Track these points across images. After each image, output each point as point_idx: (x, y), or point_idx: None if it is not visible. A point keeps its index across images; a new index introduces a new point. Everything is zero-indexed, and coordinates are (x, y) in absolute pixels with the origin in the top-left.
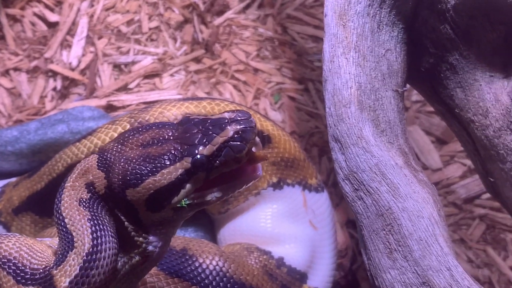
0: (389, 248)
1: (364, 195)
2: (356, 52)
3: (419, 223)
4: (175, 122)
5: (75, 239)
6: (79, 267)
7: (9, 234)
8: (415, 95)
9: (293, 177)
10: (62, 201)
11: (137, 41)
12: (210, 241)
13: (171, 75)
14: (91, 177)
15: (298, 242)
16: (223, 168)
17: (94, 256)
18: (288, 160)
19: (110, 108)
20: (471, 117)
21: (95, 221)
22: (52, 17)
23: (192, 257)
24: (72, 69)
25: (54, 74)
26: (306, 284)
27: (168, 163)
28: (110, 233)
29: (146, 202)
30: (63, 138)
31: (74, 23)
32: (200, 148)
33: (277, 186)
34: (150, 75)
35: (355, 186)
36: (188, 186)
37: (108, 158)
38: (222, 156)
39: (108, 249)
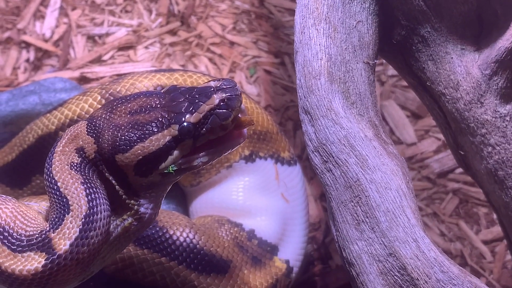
0: (356, 220)
1: (333, 167)
2: (327, 23)
3: (387, 195)
4: (161, 91)
5: (70, 202)
6: (78, 229)
7: (5, 198)
8: (391, 70)
9: (266, 150)
10: (53, 165)
11: (112, 13)
12: (182, 213)
13: (146, 47)
14: (81, 142)
15: (269, 214)
16: (209, 135)
17: (91, 218)
18: (260, 133)
19: (83, 80)
20: (442, 90)
21: (88, 184)
22: None
23: (163, 228)
24: (46, 41)
25: (27, 45)
26: (276, 256)
27: (156, 130)
28: (103, 195)
29: (135, 167)
30: (34, 109)
31: None
32: (187, 116)
33: (249, 159)
34: (124, 47)
35: (324, 158)
36: (175, 152)
37: (98, 125)
38: (208, 123)
39: (103, 210)
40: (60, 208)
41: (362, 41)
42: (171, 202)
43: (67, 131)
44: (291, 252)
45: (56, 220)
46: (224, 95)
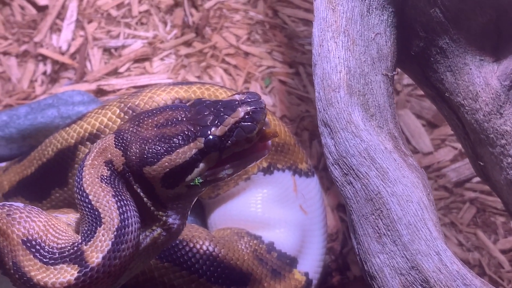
0: (378, 233)
1: (354, 180)
2: (346, 36)
3: (408, 208)
4: (187, 104)
5: (102, 215)
6: (111, 242)
7: (38, 210)
8: (406, 79)
9: (283, 162)
10: (84, 179)
11: (127, 25)
12: (200, 225)
13: (161, 59)
14: (109, 155)
15: (288, 226)
16: (235, 148)
17: (123, 231)
18: (278, 144)
19: (100, 92)
20: (461, 101)
21: (119, 197)
22: (41, 1)
23: (183, 241)
24: (62, 53)
25: (44, 58)
26: (296, 269)
27: (182, 143)
28: (133, 207)
29: (162, 179)
30: (53, 122)
31: (64, 7)
32: (213, 129)
33: (267, 171)
34: (140, 59)
35: (345, 171)
36: (201, 165)
37: (125, 138)
38: (233, 136)
39: (134, 223)
40: (92, 220)
41: (381, 53)
42: (190, 214)
43: (95, 144)
44: (310, 264)
45: (88, 232)
46: (249, 108)
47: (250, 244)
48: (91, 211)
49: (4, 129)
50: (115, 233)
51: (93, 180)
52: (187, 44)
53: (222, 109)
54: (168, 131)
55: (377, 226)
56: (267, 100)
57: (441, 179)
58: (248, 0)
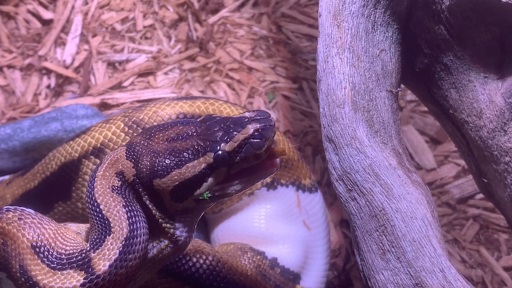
0: (382, 249)
1: (358, 196)
2: (350, 53)
3: (413, 224)
4: (198, 120)
5: (112, 224)
6: (118, 251)
7: (49, 219)
8: (410, 95)
9: (287, 177)
10: (95, 189)
11: (132, 39)
12: (203, 240)
13: (165, 73)
14: (120, 167)
15: (291, 242)
16: (243, 164)
17: (131, 241)
18: (282, 160)
19: (104, 106)
20: (465, 118)
21: (130, 207)
22: (46, 14)
23: (186, 256)
24: (66, 67)
25: (48, 71)
26: (299, 285)
27: (192, 157)
28: (143, 218)
29: (171, 192)
30: (56, 136)
31: (68, 21)
32: (222, 144)
33: (271, 186)
34: (144, 73)
35: (349, 187)
36: (210, 180)
37: (136, 150)
38: (242, 152)
39: (142, 234)
40: (101, 229)
41: (385, 70)
42: None
43: (107, 155)
44: (313, 280)
45: (97, 240)
46: (258, 125)
47: (254, 259)
48: (101, 220)
49: (8, 142)
50: (124, 242)
51: (104, 190)
52: (191, 58)
53: (232, 126)
54: (178, 145)
55: (381, 243)
56: (271, 115)
57: (444, 195)
58: (252, 15)
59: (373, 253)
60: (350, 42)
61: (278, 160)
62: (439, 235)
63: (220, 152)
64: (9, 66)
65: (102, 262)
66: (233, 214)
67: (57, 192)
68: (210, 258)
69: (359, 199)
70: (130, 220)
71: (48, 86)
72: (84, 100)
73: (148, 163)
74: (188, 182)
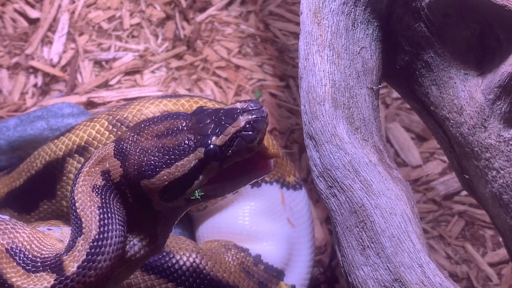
0: (362, 245)
1: (338, 192)
2: (331, 50)
3: (392, 220)
4: (189, 113)
5: (83, 225)
6: (85, 252)
7: (23, 224)
8: (396, 92)
9: (271, 175)
10: (77, 185)
11: (118, 38)
12: (188, 238)
13: (152, 71)
14: (107, 165)
15: (275, 239)
16: (235, 158)
17: (100, 243)
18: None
19: (90, 104)
20: (446, 115)
21: (105, 209)
22: (33, 13)
23: (169, 253)
24: (53, 66)
25: (35, 70)
26: (283, 282)
27: (182, 154)
28: (118, 221)
29: (160, 192)
30: (42, 134)
31: (55, 20)
32: (213, 138)
33: (255, 183)
34: (131, 72)
35: (329, 183)
36: (201, 176)
37: (125, 148)
38: (234, 145)
39: (114, 236)
40: (75, 230)
41: (366, 67)
42: (177, 226)
43: (95, 151)
44: (297, 277)
45: (71, 242)
46: (250, 117)
47: (237, 256)
48: (75, 219)
49: None
50: (91, 244)
51: (85, 188)
52: (178, 57)
53: (223, 118)
54: (167, 142)
55: (361, 239)
56: None
57: (430, 192)
58: (240, 13)
59: (353, 249)
60: (331, 40)
61: (271, 161)
62: (419, 230)
63: (211, 146)
64: None
65: (72, 264)
66: (217, 211)
67: (42, 191)
68: (194, 255)
69: (339, 195)
70: (102, 222)
71: (35, 85)
72: (71, 99)
73: (136, 162)
74: (178, 181)
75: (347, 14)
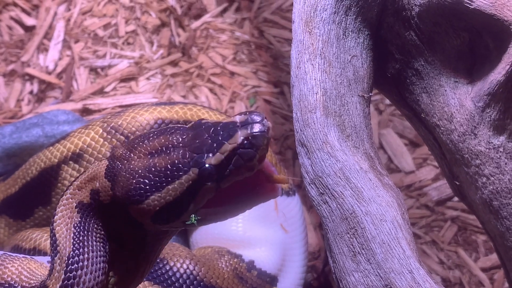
0: (353, 251)
1: (329, 199)
2: (322, 59)
3: (382, 227)
4: (187, 126)
5: (57, 242)
6: (63, 271)
7: (14, 256)
8: None
9: None
10: (63, 197)
11: (114, 45)
12: (182, 244)
13: (147, 78)
14: (97, 185)
15: (269, 245)
16: (234, 177)
17: (77, 258)
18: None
19: (86, 111)
20: (437, 122)
21: (82, 227)
22: (29, 21)
23: (163, 260)
24: (49, 73)
25: (31, 77)
26: (276, 287)
27: (174, 176)
28: (96, 241)
29: (152, 218)
30: (37, 141)
31: (51, 27)
32: (208, 157)
33: None
34: (126, 79)
35: (321, 190)
36: (197, 198)
37: (116, 167)
38: (231, 164)
39: (91, 253)
40: (52, 247)
41: (357, 75)
42: None
43: (91, 166)
44: (290, 283)
45: (51, 265)
46: (248, 131)
47: (231, 262)
48: (52, 234)
49: None
50: (67, 261)
51: (69, 203)
52: (173, 63)
53: (220, 133)
54: (159, 161)
55: (352, 245)
56: None
57: (423, 197)
58: (235, 20)
59: (344, 255)
60: (322, 49)
61: (280, 186)
62: (409, 237)
63: (206, 166)
64: None
65: (55, 286)
66: None
67: (37, 197)
68: (187, 261)
69: (330, 202)
70: (76, 240)
71: (31, 92)
72: (66, 106)
73: (124, 185)
74: (171, 206)
75: (338, 23)
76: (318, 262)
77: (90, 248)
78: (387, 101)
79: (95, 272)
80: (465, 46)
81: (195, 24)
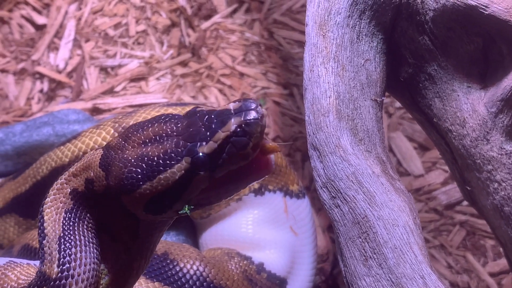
0: (364, 256)
1: (341, 203)
2: (335, 62)
3: (394, 232)
4: (182, 115)
5: (45, 224)
6: (57, 251)
7: (16, 264)
8: (398, 102)
9: (275, 184)
10: (59, 181)
11: (124, 45)
12: (191, 245)
13: (157, 78)
14: (92, 174)
15: (278, 247)
16: (228, 166)
17: (67, 239)
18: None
19: (96, 111)
20: (449, 127)
21: (73, 214)
22: (40, 19)
23: (173, 261)
24: (59, 72)
25: (41, 76)
26: None
27: (166, 165)
28: (87, 232)
29: (144, 207)
30: (48, 140)
31: (62, 26)
32: (201, 146)
33: (259, 192)
34: (136, 79)
35: (333, 194)
36: (190, 188)
37: (110, 157)
38: (225, 153)
39: (85, 243)
40: (40, 231)
41: (370, 79)
42: (181, 234)
43: (87, 154)
44: (299, 285)
45: (42, 252)
46: (242, 119)
47: (240, 264)
48: (40, 216)
49: (0, 146)
50: (58, 242)
51: (63, 189)
52: (183, 64)
53: (214, 121)
54: (152, 150)
55: (364, 249)
56: None
57: (432, 201)
58: (245, 21)
59: (356, 260)
60: (335, 52)
61: (272, 158)
62: (421, 242)
63: (199, 154)
64: (3, 71)
65: (53, 266)
66: (221, 219)
67: None
68: (197, 263)
69: (342, 206)
70: (65, 226)
71: (41, 91)
72: (76, 105)
73: (116, 175)
74: (163, 195)
75: (352, 27)
76: (326, 265)
77: (82, 235)
78: (397, 104)
79: (90, 256)
80: (479, 51)
81: (205, 24)
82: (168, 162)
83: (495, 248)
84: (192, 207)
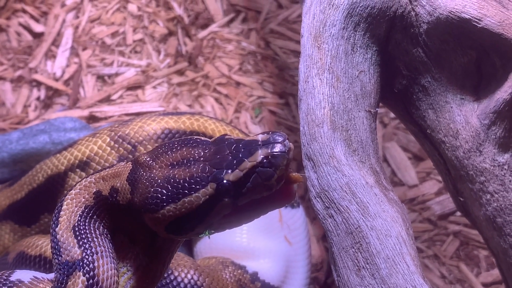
0: (357, 266)
1: (335, 213)
2: (330, 74)
3: (387, 242)
4: (210, 140)
5: (60, 219)
6: (74, 236)
7: (42, 280)
8: None
9: None
10: (87, 179)
11: (121, 53)
12: (186, 254)
13: (154, 87)
14: (118, 184)
15: (272, 257)
16: (251, 195)
17: (82, 228)
18: None
19: (92, 119)
20: (442, 138)
21: (92, 212)
22: (37, 27)
23: (168, 270)
24: (56, 80)
25: (38, 84)
26: None
27: (192, 189)
28: (104, 230)
29: (166, 227)
30: (44, 148)
31: (59, 34)
32: (227, 173)
33: None
34: (133, 87)
35: (326, 204)
36: (212, 213)
37: (137, 173)
38: (250, 182)
39: (101, 237)
40: (55, 218)
41: (364, 90)
42: None
43: (117, 165)
44: None
45: (55, 243)
46: (268, 151)
47: (235, 273)
48: (57, 210)
49: None
50: (73, 230)
51: (90, 187)
52: (180, 73)
53: (242, 150)
54: (179, 173)
55: (357, 259)
56: (257, 130)
57: (426, 211)
58: (241, 31)
59: (349, 270)
60: (330, 64)
61: (294, 187)
62: (413, 252)
63: (224, 181)
64: (0, 78)
65: (78, 278)
66: None
67: (43, 204)
68: (192, 271)
69: (336, 216)
70: (81, 217)
71: (38, 98)
72: (73, 113)
73: (142, 192)
74: (186, 218)
75: (346, 39)
76: (320, 274)
77: (97, 228)
78: (392, 115)
79: (106, 245)
80: (472, 64)
81: (202, 33)
82: (193, 186)
83: (488, 259)
84: (213, 231)
